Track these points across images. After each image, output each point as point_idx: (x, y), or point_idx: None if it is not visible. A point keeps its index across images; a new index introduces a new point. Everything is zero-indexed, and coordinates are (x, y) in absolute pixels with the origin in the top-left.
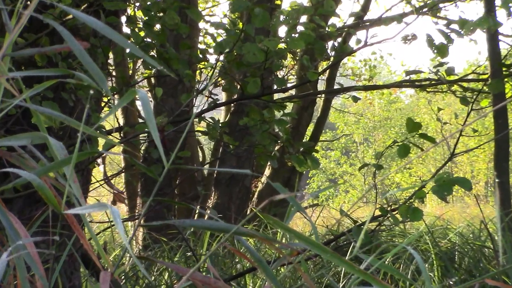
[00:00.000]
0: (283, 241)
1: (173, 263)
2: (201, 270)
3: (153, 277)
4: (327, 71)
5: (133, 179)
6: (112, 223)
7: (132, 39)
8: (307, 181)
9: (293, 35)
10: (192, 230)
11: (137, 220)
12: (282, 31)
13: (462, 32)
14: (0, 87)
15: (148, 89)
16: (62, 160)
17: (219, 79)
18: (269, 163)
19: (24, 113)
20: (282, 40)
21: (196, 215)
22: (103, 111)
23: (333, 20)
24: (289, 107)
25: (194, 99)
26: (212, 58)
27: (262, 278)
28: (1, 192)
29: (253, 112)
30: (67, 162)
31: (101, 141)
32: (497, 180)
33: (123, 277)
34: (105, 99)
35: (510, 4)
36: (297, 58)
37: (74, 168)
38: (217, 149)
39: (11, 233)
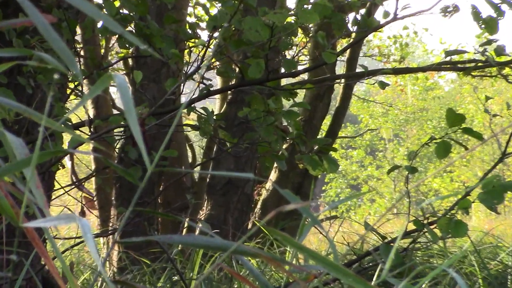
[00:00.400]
0: (294, 262)
1: None
2: None
3: None
4: (348, 50)
5: (106, 185)
6: (81, 239)
7: (105, 10)
8: (323, 188)
9: (305, 6)
10: (179, 248)
11: (111, 236)
12: (291, 1)
13: None
14: None
15: (124, 72)
16: (20, 161)
17: (213, 60)
18: (275, 165)
19: None
20: (292, 12)
21: (184, 230)
22: (68, 100)
23: None
24: (301, 95)
25: (182, 85)
26: (204, 35)
27: None
28: None
29: (256, 102)
30: (26, 163)
31: (67, 138)
32: None
33: None
34: (71, 85)
35: None
36: (310, 34)
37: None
38: (211, 148)
39: None
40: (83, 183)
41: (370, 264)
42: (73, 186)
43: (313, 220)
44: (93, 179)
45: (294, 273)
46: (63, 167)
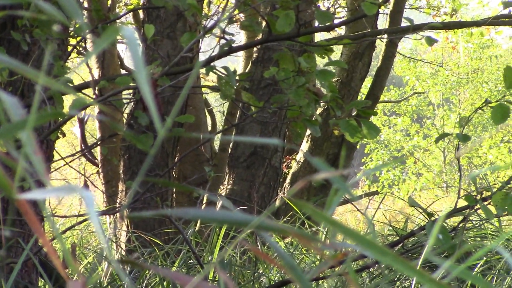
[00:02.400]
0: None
1: None
2: (210, 281)
3: None
4: (391, 1)
5: (113, 156)
6: (83, 217)
7: None
8: (363, 160)
9: None
10: (196, 228)
11: (119, 214)
12: None
13: None
14: None
15: (134, 27)
16: (14, 123)
17: (236, 12)
18: (307, 134)
19: None
20: None
21: (203, 207)
22: (70, 58)
23: None
24: (337, 54)
25: (200, 41)
26: None
27: None
28: None
29: (285, 60)
30: (21, 125)
31: (67, 102)
32: None
33: None
34: (73, 42)
35: None
36: None
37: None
38: (233, 114)
39: None
40: (86, 153)
41: (415, 246)
42: (75, 157)
43: (346, 190)
44: (98, 149)
45: (326, 252)
46: (64, 135)
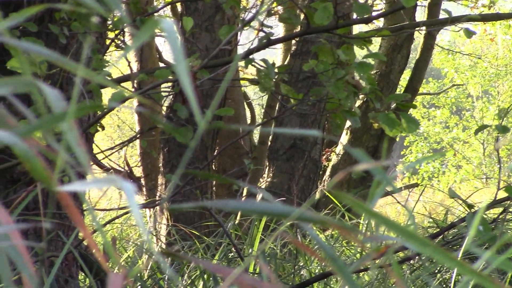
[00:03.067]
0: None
1: None
2: (251, 273)
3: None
4: None
5: (152, 150)
6: (124, 210)
7: None
8: (402, 152)
9: None
10: (236, 220)
11: (159, 208)
12: None
13: None
14: None
15: (172, 20)
16: (54, 115)
17: (275, 5)
18: (347, 127)
19: None
20: None
21: (242, 200)
22: (108, 52)
23: None
24: (375, 45)
25: (239, 34)
26: None
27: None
28: None
29: (323, 53)
30: (61, 117)
31: (106, 96)
32: None
33: (139, 286)
34: (111, 35)
35: None
36: None
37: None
38: (272, 106)
39: None
40: (126, 145)
41: (455, 238)
42: (115, 150)
43: (387, 181)
44: (137, 143)
45: (367, 244)
46: (103, 128)
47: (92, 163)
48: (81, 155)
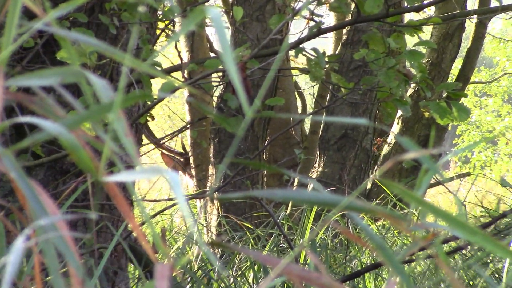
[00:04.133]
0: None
1: None
2: (301, 264)
3: (231, 279)
4: None
5: (202, 140)
6: (173, 201)
7: None
8: (454, 141)
9: None
10: (287, 211)
11: (209, 198)
12: None
13: None
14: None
15: (223, 10)
16: (102, 105)
17: None
18: (398, 116)
19: (45, 45)
20: None
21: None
22: (158, 41)
23: None
24: (426, 34)
25: (289, 23)
26: None
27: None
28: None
29: (374, 41)
30: (108, 107)
31: (156, 86)
32: None
33: (188, 278)
34: (161, 25)
35: None
36: None
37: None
38: (323, 96)
39: (35, 207)
40: (177, 135)
41: (508, 227)
42: (165, 140)
43: (435, 170)
44: (187, 133)
45: (416, 233)
46: (153, 118)
47: (155, 147)
48: (129, 146)
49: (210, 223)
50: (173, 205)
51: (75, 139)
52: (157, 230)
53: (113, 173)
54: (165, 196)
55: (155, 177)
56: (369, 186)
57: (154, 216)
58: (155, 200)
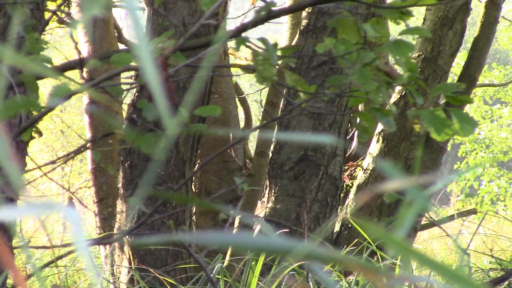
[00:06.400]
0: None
1: None
2: None
3: None
4: None
5: (108, 164)
6: (69, 248)
7: None
8: (456, 166)
9: None
10: (225, 262)
11: (116, 243)
12: None
13: None
14: None
15: None
16: None
17: None
18: (378, 129)
19: None
20: None
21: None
22: (48, 29)
23: None
24: (418, 18)
25: (228, 3)
26: None
27: None
28: None
29: (345, 28)
30: None
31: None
32: None
33: None
34: (51, 5)
35: None
36: None
37: None
38: (274, 104)
39: None
40: (72, 158)
41: None
42: (57, 165)
43: (424, 203)
44: (87, 155)
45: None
46: (40, 134)
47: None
48: (12, 172)
49: (119, 278)
50: (70, 252)
51: None
52: (47, 286)
53: None
54: (58, 241)
55: (45, 214)
56: (337, 228)
57: (44, 267)
58: (45, 247)
